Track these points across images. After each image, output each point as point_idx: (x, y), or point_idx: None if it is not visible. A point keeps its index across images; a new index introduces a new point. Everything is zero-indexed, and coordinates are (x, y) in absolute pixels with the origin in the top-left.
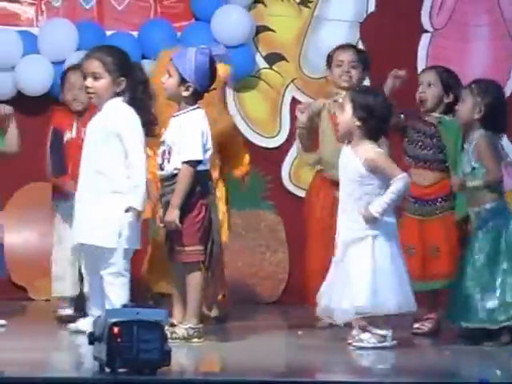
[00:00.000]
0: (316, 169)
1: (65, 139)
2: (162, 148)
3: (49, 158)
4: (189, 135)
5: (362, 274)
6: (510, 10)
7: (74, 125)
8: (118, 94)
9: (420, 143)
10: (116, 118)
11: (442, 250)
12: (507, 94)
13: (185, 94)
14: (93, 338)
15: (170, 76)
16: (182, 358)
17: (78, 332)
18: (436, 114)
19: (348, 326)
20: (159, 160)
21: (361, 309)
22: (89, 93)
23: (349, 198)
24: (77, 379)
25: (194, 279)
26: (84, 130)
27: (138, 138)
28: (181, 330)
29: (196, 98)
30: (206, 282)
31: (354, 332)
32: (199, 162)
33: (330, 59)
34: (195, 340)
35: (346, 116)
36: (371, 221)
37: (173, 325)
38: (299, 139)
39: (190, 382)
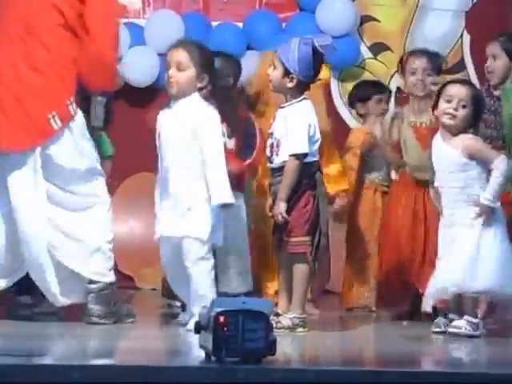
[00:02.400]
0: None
1: None
2: (269, 141)
3: None
4: (295, 128)
5: (464, 257)
6: None
7: None
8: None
9: (484, 121)
10: (197, 115)
11: None
12: None
13: (289, 85)
14: (199, 327)
15: (275, 68)
16: (287, 348)
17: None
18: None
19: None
20: (268, 153)
21: (457, 286)
22: (170, 82)
23: (451, 190)
24: (183, 368)
25: (300, 270)
26: None
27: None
28: (286, 320)
29: (301, 89)
30: (312, 272)
31: (438, 320)
32: (305, 155)
33: (402, 64)
34: (300, 329)
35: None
36: (486, 210)
37: (278, 314)
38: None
39: (295, 371)
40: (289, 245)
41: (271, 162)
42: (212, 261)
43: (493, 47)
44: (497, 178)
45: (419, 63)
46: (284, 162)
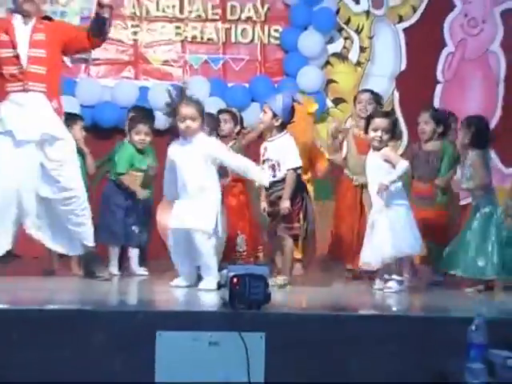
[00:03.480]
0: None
1: None
2: (269, 163)
3: None
4: (290, 151)
5: (387, 232)
6: (496, 69)
7: None
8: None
9: (419, 165)
10: (210, 146)
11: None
12: (493, 124)
13: (276, 124)
14: (220, 285)
15: (265, 113)
16: (278, 299)
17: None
18: (433, 142)
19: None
20: (270, 171)
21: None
22: (188, 131)
23: (373, 185)
24: (209, 312)
25: (289, 245)
26: None
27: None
28: (279, 280)
29: (283, 127)
30: (305, 248)
31: (378, 281)
32: (299, 168)
33: (355, 98)
34: (287, 287)
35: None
36: (384, 188)
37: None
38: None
39: (283, 314)
40: (285, 229)
41: (274, 177)
42: (214, 240)
43: (424, 116)
44: (397, 172)
45: (364, 96)
46: (285, 174)
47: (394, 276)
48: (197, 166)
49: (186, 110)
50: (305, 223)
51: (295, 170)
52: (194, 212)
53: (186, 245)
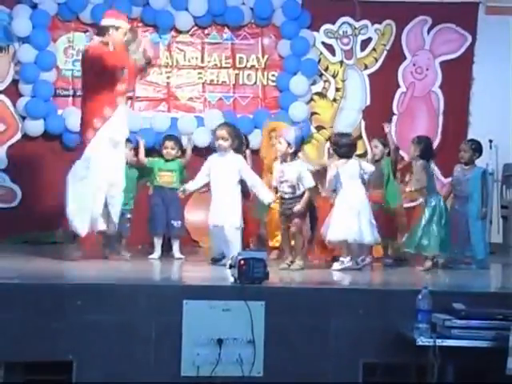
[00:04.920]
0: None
1: None
2: (288, 183)
3: None
4: (306, 173)
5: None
6: (436, 104)
7: None
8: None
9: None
10: (238, 162)
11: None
12: (434, 146)
13: (290, 151)
14: (231, 266)
15: (281, 143)
16: (274, 276)
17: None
18: (382, 161)
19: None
20: (290, 189)
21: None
22: (221, 148)
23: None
24: (223, 286)
25: (300, 240)
26: None
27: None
28: (298, 264)
29: (295, 153)
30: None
31: (341, 259)
32: (314, 187)
33: (330, 139)
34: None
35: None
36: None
37: (292, 262)
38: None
39: (279, 288)
40: (296, 224)
41: (294, 194)
42: (240, 231)
43: (375, 141)
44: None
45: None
46: (303, 192)
47: (356, 258)
48: (228, 175)
49: (220, 132)
50: (312, 220)
51: (312, 187)
52: (226, 210)
53: (221, 236)
